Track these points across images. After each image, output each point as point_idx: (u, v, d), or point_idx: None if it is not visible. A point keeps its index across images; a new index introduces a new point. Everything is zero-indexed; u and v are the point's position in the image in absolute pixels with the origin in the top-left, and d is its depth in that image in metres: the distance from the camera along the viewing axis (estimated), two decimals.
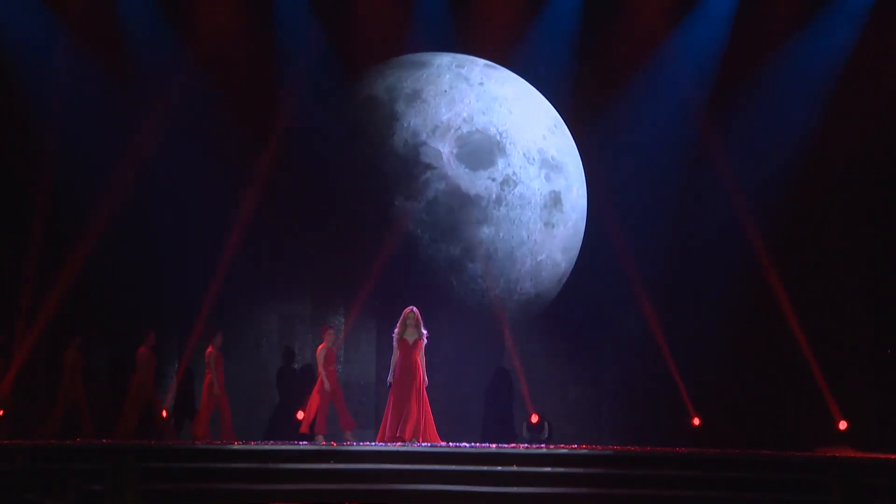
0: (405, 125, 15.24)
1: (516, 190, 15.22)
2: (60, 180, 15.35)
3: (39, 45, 15.57)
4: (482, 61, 15.98)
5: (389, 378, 13.45)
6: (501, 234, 15.16)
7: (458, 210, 15.09)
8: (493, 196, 15.13)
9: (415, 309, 13.52)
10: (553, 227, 15.47)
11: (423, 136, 15.18)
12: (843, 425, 15.00)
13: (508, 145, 15.26)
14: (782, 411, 15.62)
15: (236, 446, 11.95)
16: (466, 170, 15.09)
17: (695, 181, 16.44)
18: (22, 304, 15.04)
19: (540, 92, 16.07)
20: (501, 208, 15.17)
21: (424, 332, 13.50)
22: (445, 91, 15.45)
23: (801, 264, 15.91)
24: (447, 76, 15.65)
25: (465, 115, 15.31)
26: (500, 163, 15.23)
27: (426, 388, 13.47)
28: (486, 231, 15.17)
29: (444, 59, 15.89)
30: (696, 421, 15.63)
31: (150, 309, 15.86)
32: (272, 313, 16.27)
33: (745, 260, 15.90)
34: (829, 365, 15.39)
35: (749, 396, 15.79)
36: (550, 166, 15.45)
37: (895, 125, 15.69)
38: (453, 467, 11.36)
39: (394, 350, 13.50)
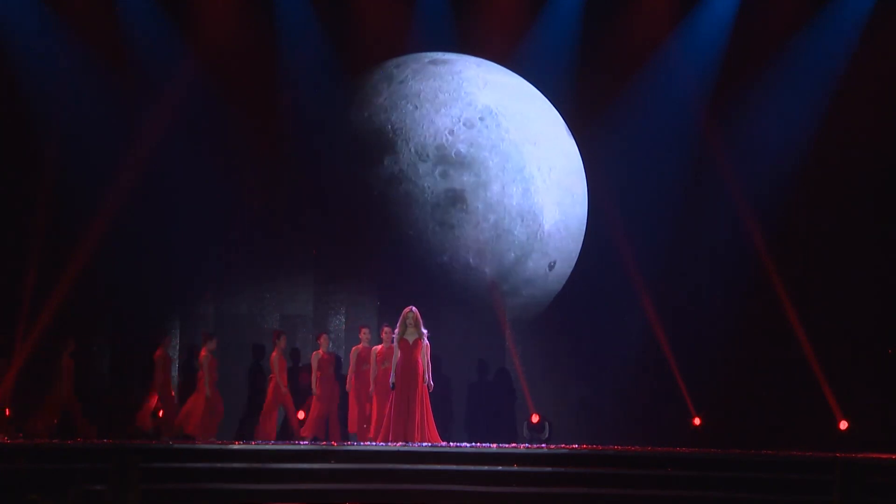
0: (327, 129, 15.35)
1: (401, 188, 15.04)
2: (61, 180, 15.36)
3: (40, 45, 15.57)
4: (429, 57, 15.86)
5: (392, 379, 13.44)
6: (384, 234, 15.01)
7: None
8: (376, 194, 14.96)
9: (414, 308, 13.50)
10: (453, 227, 15.08)
11: (328, 138, 15.23)
12: (843, 425, 15.01)
13: (399, 142, 15.09)
14: (782, 411, 15.63)
15: (236, 446, 11.96)
16: (354, 168, 14.97)
17: (696, 181, 16.43)
18: (23, 304, 15.05)
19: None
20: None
21: (425, 331, 13.49)
22: (364, 92, 15.41)
23: (801, 264, 15.92)
24: (376, 77, 15.64)
25: (366, 114, 15.25)
26: (387, 161, 15.11)
27: (429, 389, 13.46)
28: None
29: (393, 61, 15.82)
30: (697, 421, 15.64)
31: (151, 309, 15.89)
32: (273, 313, 16.28)
33: (746, 260, 15.91)
34: (829, 365, 15.39)
35: (749, 396, 15.79)
36: (451, 163, 15.01)
37: None
38: (453, 467, 11.36)
39: (394, 351, 13.49)
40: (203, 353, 14.81)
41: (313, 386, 14.79)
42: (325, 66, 16.09)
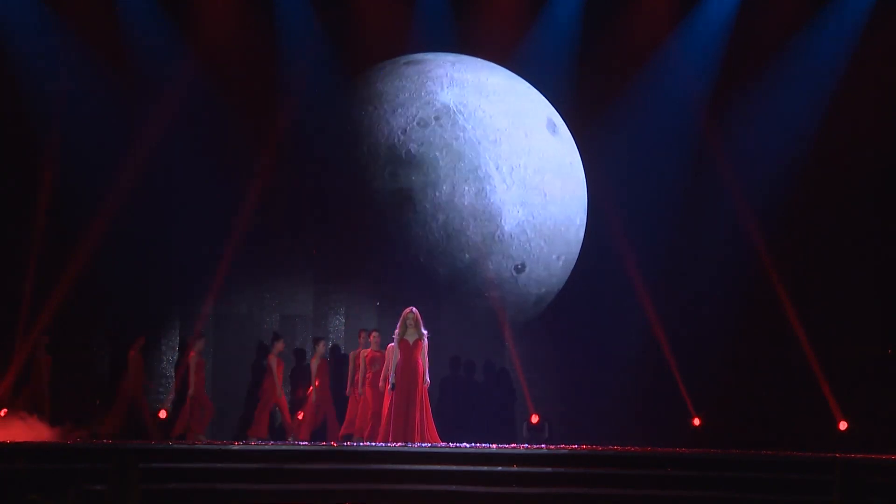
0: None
1: (364, 191, 14.95)
2: (61, 180, 15.36)
3: (40, 45, 15.57)
4: (407, 59, 15.80)
5: (392, 380, 13.44)
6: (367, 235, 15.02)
7: None
8: (354, 196, 14.98)
9: (414, 309, 13.50)
10: (402, 228, 14.89)
11: (328, 138, 15.33)
12: (843, 425, 15.01)
13: (351, 143, 15.06)
14: (782, 411, 15.63)
15: (236, 446, 11.96)
16: (351, 170, 15.00)
17: (696, 180, 16.44)
18: (23, 304, 15.04)
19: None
20: None
21: (425, 332, 13.48)
22: (339, 95, 15.48)
23: (801, 264, 15.91)
24: (360, 78, 15.68)
25: (334, 115, 15.24)
26: (342, 163, 15.15)
27: (427, 388, 13.46)
28: None
29: (378, 64, 15.84)
30: (697, 421, 15.63)
31: (151, 309, 15.89)
32: (272, 313, 16.28)
33: (746, 260, 15.90)
34: (829, 365, 15.39)
35: (749, 396, 15.79)
36: (400, 163, 14.84)
37: None
38: (453, 467, 11.35)
39: (394, 351, 13.48)
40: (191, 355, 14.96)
41: (360, 387, 14.69)
42: (325, 66, 16.09)
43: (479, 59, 16.01)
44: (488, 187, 14.93)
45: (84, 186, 15.34)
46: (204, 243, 15.71)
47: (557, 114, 16.11)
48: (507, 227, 15.05)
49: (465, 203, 14.85)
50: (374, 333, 14.81)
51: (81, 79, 15.55)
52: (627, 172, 16.31)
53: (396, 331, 13.54)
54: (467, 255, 14.95)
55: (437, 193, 14.81)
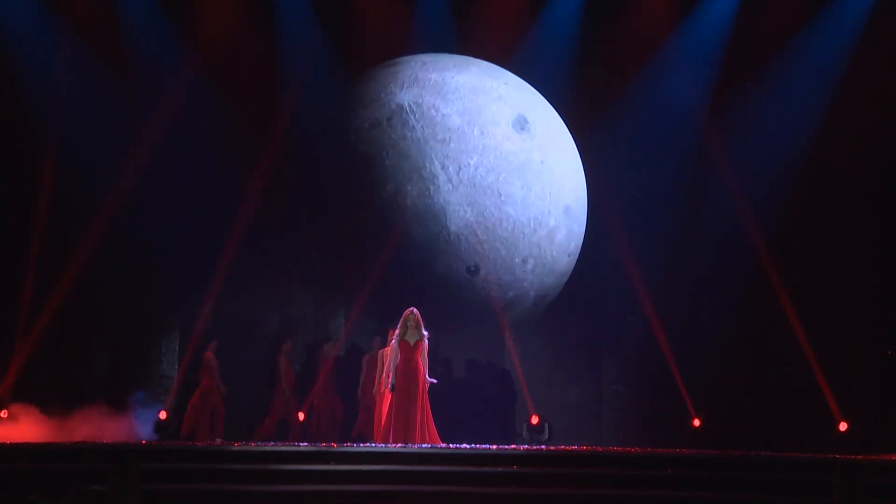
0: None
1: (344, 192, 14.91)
2: (61, 180, 15.37)
3: (40, 45, 15.58)
4: (391, 61, 15.61)
5: (391, 381, 13.42)
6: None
7: None
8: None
9: (415, 310, 13.46)
10: (361, 228, 14.74)
11: (327, 138, 15.37)
12: (843, 426, 15.01)
13: (335, 143, 14.98)
14: (782, 411, 15.64)
15: (236, 447, 11.96)
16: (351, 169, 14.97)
17: (696, 181, 16.46)
18: (23, 304, 15.05)
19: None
20: None
21: (425, 332, 13.46)
22: (338, 95, 15.52)
23: (802, 264, 15.92)
24: (354, 81, 15.68)
25: (329, 116, 15.28)
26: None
27: (429, 388, 13.45)
28: None
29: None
30: (697, 422, 15.64)
31: (150, 309, 15.90)
32: (273, 314, 16.29)
33: (747, 260, 15.91)
34: (829, 365, 15.40)
35: (749, 396, 15.80)
36: (347, 164, 14.67)
37: None
38: (453, 468, 11.35)
39: (394, 352, 13.46)
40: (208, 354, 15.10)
41: (385, 383, 14.58)
42: (325, 67, 16.09)
43: (459, 57, 15.57)
44: (432, 187, 14.43)
45: (84, 186, 15.35)
46: (204, 243, 15.72)
47: (555, 111, 15.84)
48: (452, 228, 14.47)
49: (408, 203, 14.39)
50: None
51: (81, 79, 15.55)
52: (627, 172, 16.31)
53: (396, 331, 13.52)
54: (413, 256, 14.53)
55: (381, 194, 14.44)
